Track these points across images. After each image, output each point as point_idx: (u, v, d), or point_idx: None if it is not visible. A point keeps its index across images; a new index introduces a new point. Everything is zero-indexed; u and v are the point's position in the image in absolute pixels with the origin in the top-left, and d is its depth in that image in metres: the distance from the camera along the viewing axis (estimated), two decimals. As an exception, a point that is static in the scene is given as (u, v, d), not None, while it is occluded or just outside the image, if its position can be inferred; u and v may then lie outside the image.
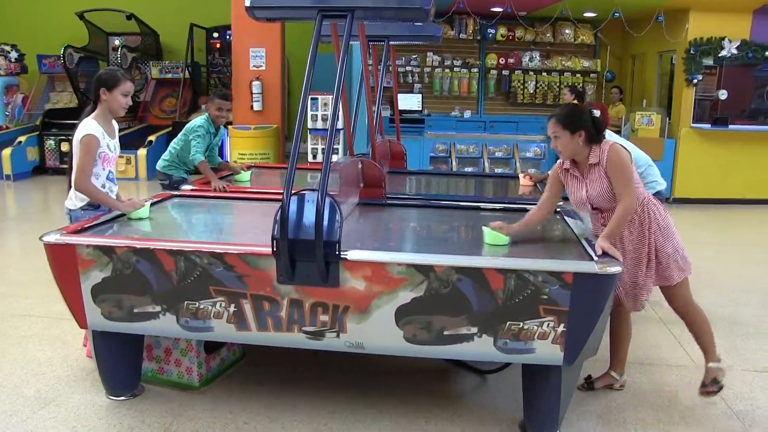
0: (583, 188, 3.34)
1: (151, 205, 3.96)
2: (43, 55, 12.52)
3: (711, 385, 3.44)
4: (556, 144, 3.31)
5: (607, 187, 3.24)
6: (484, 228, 3.34)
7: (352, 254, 2.86)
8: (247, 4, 3.10)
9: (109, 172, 3.67)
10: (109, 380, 3.40)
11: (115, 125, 3.78)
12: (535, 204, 4.28)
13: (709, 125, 9.40)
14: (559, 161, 3.47)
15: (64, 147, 10.94)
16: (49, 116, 11.52)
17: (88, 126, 3.55)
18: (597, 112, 3.58)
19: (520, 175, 5.24)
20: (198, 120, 4.90)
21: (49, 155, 11.21)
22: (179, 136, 4.97)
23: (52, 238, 3.09)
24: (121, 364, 3.40)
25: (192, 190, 4.51)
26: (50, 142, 11.14)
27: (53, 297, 4.22)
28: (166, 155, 4.99)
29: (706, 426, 3.32)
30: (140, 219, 3.62)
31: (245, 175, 5.15)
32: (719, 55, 9.22)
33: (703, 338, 3.48)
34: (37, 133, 11.25)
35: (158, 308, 3.08)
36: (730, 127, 9.32)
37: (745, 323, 4.77)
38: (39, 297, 4.92)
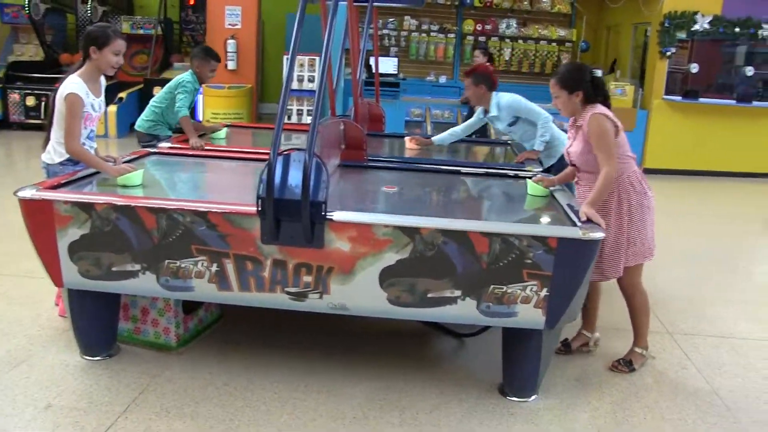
0: (571, 144, 3.46)
1: (127, 162, 3.86)
2: (5, 4, 11.92)
3: (623, 365, 3.53)
4: (556, 103, 3.39)
5: (583, 149, 3.34)
6: (527, 180, 3.63)
7: (338, 215, 2.83)
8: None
9: (90, 130, 3.56)
10: (84, 340, 3.34)
11: (103, 82, 3.66)
12: (510, 169, 4.33)
13: (680, 97, 9.54)
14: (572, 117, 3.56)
15: (30, 101, 10.57)
16: (13, 69, 10.99)
17: (72, 84, 3.40)
18: (599, 72, 3.65)
19: (406, 139, 5.15)
20: (184, 75, 4.76)
21: (13, 109, 10.74)
22: (162, 93, 4.79)
23: (28, 194, 2.99)
24: (97, 324, 3.34)
25: (170, 147, 4.41)
26: (14, 96, 10.70)
27: (21, 254, 4.11)
28: (148, 115, 4.78)
29: (678, 389, 3.41)
30: (131, 186, 3.32)
31: (221, 133, 5.08)
32: (692, 29, 9.31)
33: (638, 322, 3.56)
34: (0, 86, 10.81)
35: (138, 267, 3.02)
36: (700, 100, 9.48)
37: (709, 291, 4.92)
38: (6, 254, 4.78)
